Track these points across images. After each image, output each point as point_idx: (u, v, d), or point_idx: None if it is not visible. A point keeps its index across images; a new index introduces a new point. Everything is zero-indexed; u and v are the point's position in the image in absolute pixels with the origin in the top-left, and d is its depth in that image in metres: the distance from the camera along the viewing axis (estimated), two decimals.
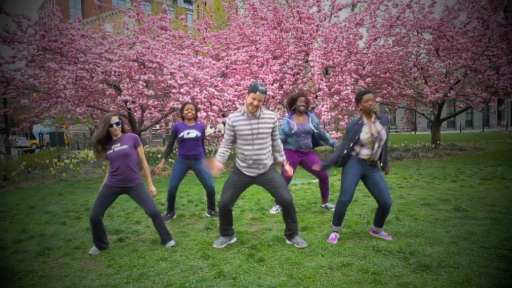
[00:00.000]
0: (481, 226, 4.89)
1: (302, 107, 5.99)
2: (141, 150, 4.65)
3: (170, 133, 6.03)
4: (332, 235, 4.65)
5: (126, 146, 4.46)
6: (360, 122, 4.41)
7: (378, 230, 4.68)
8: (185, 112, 5.88)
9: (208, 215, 6.16)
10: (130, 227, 5.56)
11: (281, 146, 4.59)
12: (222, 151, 4.42)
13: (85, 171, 12.77)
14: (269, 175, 4.40)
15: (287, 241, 4.60)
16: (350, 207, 6.14)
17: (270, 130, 4.33)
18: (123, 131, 4.62)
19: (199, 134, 5.86)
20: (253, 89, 4.14)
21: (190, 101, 6.09)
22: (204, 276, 3.68)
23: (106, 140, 4.44)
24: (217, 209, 5.99)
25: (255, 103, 4.14)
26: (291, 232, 4.53)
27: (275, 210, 6.19)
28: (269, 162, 4.41)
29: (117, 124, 4.44)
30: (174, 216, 6.14)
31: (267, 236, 4.77)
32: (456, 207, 5.89)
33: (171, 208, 6.04)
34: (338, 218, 4.60)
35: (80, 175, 12.12)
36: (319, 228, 5.17)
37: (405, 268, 3.68)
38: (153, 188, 4.67)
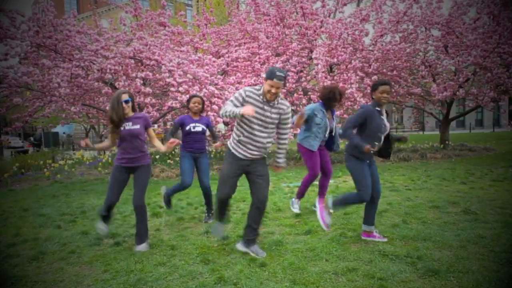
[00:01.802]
0: (491, 230, 4.89)
1: (334, 105, 5.97)
2: (151, 130, 4.77)
3: (173, 124, 6.09)
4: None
5: (137, 127, 4.59)
6: (379, 112, 4.52)
7: (371, 229, 4.70)
8: (191, 105, 5.91)
9: (205, 221, 6.01)
10: (127, 231, 5.56)
11: (286, 145, 4.47)
12: (230, 109, 4.00)
13: (81, 173, 12.77)
14: (263, 170, 4.32)
15: (240, 247, 4.49)
16: (356, 210, 6.14)
17: (278, 119, 4.20)
18: (133, 109, 4.70)
19: (205, 128, 5.94)
20: (270, 75, 3.95)
21: (198, 94, 6.14)
22: (204, 282, 3.69)
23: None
24: (204, 208, 6.37)
25: (273, 90, 3.97)
26: (251, 238, 4.42)
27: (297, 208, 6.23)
28: (264, 152, 4.29)
29: (126, 102, 4.52)
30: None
31: (269, 240, 4.77)
32: (466, 209, 5.89)
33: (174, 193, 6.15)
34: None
35: (75, 176, 12.11)
36: (323, 231, 5.17)
37: (413, 273, 3.68)
38: (163, 148, 4.73)
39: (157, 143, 4.79)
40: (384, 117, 4.50)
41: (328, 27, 13.24)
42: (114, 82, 10.74)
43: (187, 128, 5.84)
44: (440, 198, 6.86)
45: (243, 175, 4.40)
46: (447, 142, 16.25)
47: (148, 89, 10.30)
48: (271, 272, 3.84)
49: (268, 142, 4.24)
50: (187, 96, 10.02)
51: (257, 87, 4.18)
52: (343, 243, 4.63)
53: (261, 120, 4.10)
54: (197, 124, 5.88)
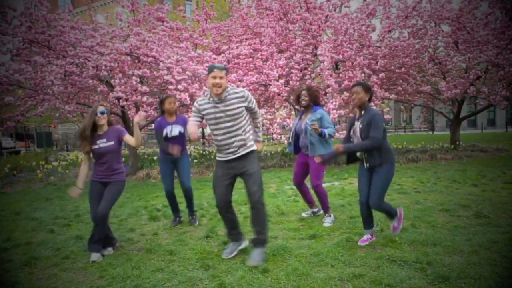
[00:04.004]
0: (504, 234, 4.87)
1: (303, 102, 5.90)
2: (127, 138, 4.78)
3: (155, 132, 6.14)
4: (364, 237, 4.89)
5: (112, 143, 4.68)
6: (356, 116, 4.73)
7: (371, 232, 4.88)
8: (168, 106, 5.92)
9: (191, 223, 6.17)
10: (123, 235, 5.57)
11: (259, 125, 4.64)
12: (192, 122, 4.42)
13: (75, 174, 12.78)
14: (251, 168, 4.40)
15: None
16: None
17: (240, 110, 4.31)
18: (110, 124, 4.78)
19: (182, 130, 5.91)
20: (210, 69, 4.23)
21: (170, 94, 6.17)
22: None
23: (92, 131, 4.64)
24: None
25: (217, 80, 4.15)
26: (256, 241, 4.47)
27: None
28: (243, 145, 4.38)
29: (102, 113, 4.63)
30: (182, 219, 6.26)
31: (272, 245, 4.75)
32: (477, 213, 5.87)
33: (175, 210, 6.14)
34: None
35: (70, 178, 12.13)
36: (329, 236, 5.17)
37: (422, 279, 3.67)
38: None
39: (134, 141, 4.80)
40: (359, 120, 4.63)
41: (334, 22, 13.22)
42: (110, 80, 10.75)
43: (164, 133, 5.88)
44: (450, 201, 6.85)
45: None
46: (457, 142, 16.21)
47: (145, 88, 10.30)
48: (274, 278, 3.83)
49: (239, 137, 4.34)
50: (186, 94, 10.05)
51: (204, 94, 4.46)
52: (349, 248, 4.62)
53: (217, 119, 4.30)
54: (173, 127, 5.89)
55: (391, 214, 4.74)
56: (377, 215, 5.14)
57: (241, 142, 4.34)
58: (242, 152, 4.37)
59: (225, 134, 4.32)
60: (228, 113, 4.25)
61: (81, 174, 4.76)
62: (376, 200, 4.50)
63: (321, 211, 6.31)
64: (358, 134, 4.56)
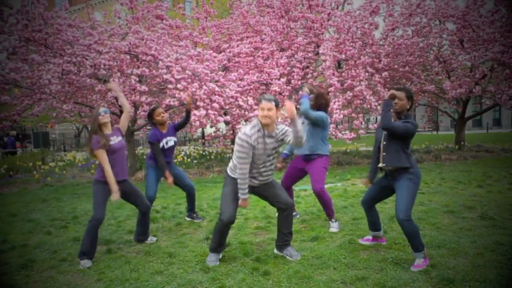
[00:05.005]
0: (509, 236, 4.87)
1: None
2: (122, 123, 5.06)
3: (151, 144, 5.92)
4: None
5: (121, 138, 4.81)
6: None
7: (376, 235, 4.85)
8: (158, 118, 5.93)
9: (189, 219, 6.46)
10: (122, 237, 5.57)
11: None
12: (245, 182, 4.25)
13: (72, 175, 12.80)
14: (271, 178, 4.57)
15: (276, 251, 4.64)
16: (365, 216, 6.12)
17: (279, 145, 4.38)
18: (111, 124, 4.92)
19: (176, 139, 6.13)
20: (259, 100, 4.24)
21: (155, 105, 6.20)
22: None
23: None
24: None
25: (265, 113, 4.10)
26: (284, 243, 4.58)
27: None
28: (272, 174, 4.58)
29: (105, 112, 4.68)
30: (181, 220, 6.46)
31: (273, 247, 4.76)
32: (483, 215, 5.87)
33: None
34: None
35: (67, 179, 12.14)
36: (331, 238, 5.17)
37: (426, 282, 3.68)
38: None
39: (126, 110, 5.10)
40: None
41: (336, 20, 13.21)
42: (108, 79, 10.74)
43: (161, 145, 5.91)
44: (455, 203, 6.85)
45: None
46: (462, 142, 16.21)
47: (144, 87, 10.29)
48: (275, 281, 3.83)
49: (272, 166, 4.51)
50: (185, 94, 10.04)
51: (252, 123, 4.30)
52: (352, 250, 4.63)
53: (267, 155, 4.30)
54: (168, 139, 5.98)
55: (417, 243, 4.07)
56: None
57: (272, 172, 4.51)
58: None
59: (266, 167, 4.39)
60: (271, 150, 4.30)
61: (111, 176, 4.59)
62: (402, 211, 4.01)
63: (297, 216, 6.33)
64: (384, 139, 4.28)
